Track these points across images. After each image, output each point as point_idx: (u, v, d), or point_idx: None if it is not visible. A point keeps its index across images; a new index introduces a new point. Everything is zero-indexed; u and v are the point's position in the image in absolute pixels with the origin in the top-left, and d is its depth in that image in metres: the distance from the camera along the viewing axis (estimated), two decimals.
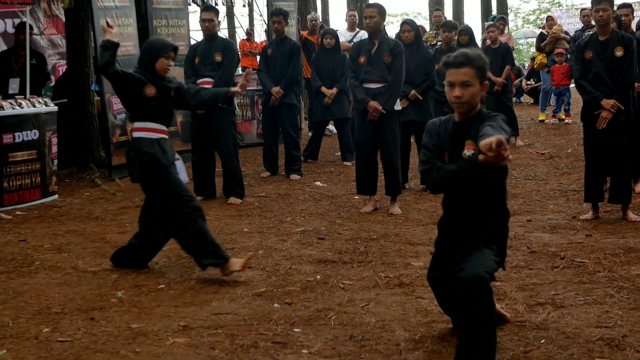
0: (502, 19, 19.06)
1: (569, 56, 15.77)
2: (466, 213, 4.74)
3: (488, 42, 14.54)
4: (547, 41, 16.65)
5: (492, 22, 16.40)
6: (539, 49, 17.06)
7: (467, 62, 4.52)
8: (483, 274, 4.35)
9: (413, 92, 9.85)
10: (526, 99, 21.37)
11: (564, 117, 16.47)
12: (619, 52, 7.95)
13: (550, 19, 18.38)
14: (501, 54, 13.70)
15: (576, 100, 15.49)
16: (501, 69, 13.46)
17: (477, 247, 4.59)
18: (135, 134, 6.64)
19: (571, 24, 25.59)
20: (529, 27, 38.42)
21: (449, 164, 4.63)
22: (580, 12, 16.58)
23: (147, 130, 6.59)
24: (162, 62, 6.57)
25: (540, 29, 18.78)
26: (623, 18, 9.29)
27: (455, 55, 4.60)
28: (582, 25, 15.71)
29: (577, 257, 6.81)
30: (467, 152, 4.52)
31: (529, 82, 20.60)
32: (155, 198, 6.63)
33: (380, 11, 8.83)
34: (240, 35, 24.66)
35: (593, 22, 8.56)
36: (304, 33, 15.20)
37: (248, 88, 14.51)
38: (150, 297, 5.97)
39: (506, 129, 4.41)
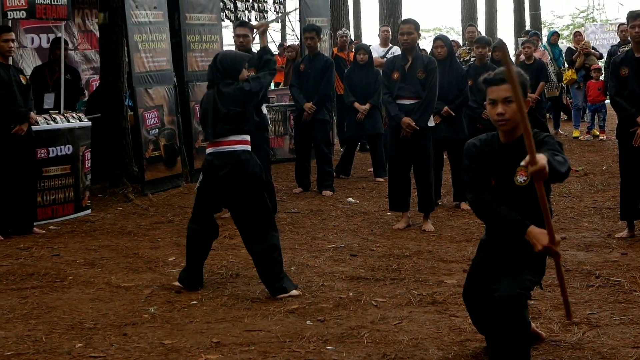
0: (536, 34, 18.99)
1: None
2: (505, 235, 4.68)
3: (522, 57, 14.47)
4: (578, 53, 16.56)
5: (526, 38, 16.35)
6: (570, 62, 16.96)
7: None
8: (517, 292, 4.32)
9: (446, 108, 9.79)
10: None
11: (598, 133, 16.34)
12: None
13: (578, 34, 18.29)
14: (535, 70, 13.65)
15: (611, 116, 15.36)
16: (535, 85, 13.37)
17: (513, 267, 4.54)
18: (244, 147, 6.54)
19: (605, 39, 25.39)
20: (562, 42, 38.25)
21: (495, 186, 4.59)
22: (618, 27, 16.47)
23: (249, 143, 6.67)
24: (244, 73, 6.64)
25: (569, 45, 18.69)
26: None
27: (496, 72, 4.53)
28: (619, 40, 15.61)
29: (613, 276, 6.73)
30: (520, 178, 4.47)
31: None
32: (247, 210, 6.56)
33: (416, 27, 8.82)
34: (273, 50, 24.75)
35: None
36: (334, 49, 15.21)
37: (280, 103, 14.61)
38: (183, 313, 5.97)
39: (563, 159, 4.33)
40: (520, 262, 4.58)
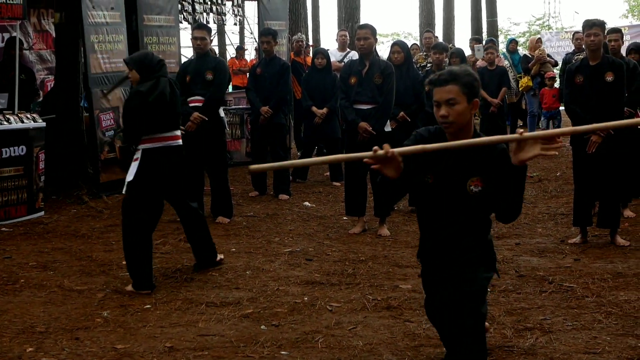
0: (492, 41, 19.15)
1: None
2: (443, 239, 4.51)
3: (479, 64, 14.57)
4: (534, 62, 16.74)
5: (482, 44, 16.47)
6: (526, 70, 17.14)
7: (452, 79, 4.27)
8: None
9: (402, 113, 9.82)
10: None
11: None
12: (609, 77, 7.96)
13: (539, 41, 18.48)
14: (497, 75, 13.76)
15: (566, 123, 15.52)
16: (497, 91, 13.52)
17: (463, 267, 4.40)
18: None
19: (561, 47, 25.70)
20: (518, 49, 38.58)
21: (433, 185, 4.39)
22: (573, 35, 16.65)
23: None
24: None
25: (525, 53, 18.90)
26: (613, 43, 9.30)
27: (441, 73, 4.38)
28: (575, 48, 15.79)
29: (566, 281, 6.80)
30: (475, 188, 4.30)
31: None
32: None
33: (373, 32, 8.84)
34: (231, 52, 24.67)
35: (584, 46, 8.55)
36: (291, 54, 15.21)
37: (238, 107, 14.56)
38: (136, 317, 5.92)
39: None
40: (470, 261, 4.41)
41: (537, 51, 17.08)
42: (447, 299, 4.30)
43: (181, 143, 7.02)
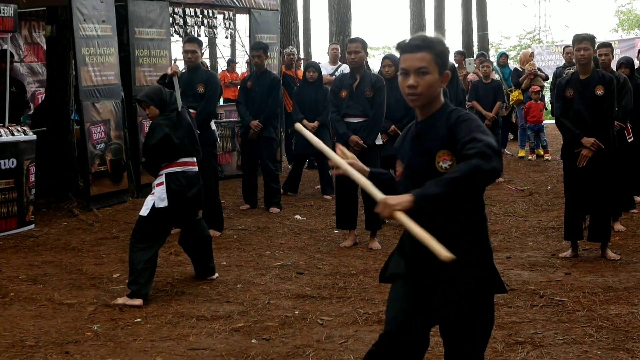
0: (483, 54, 19.20)
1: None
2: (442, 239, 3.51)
3: (470, 77, 14.57)
4: (525, 75, 16.79)
5: (472, 58, 16.50)
6: (517, 84, 17.18)
7: (425, 46, 3.65)
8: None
9: (393, 127, 9.83)
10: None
11: (542, 153, 16.52)
12: (599, 91, 7.99)
13: (532, 55, 18.53)
14: (493, 89, 13.76)
15: (556, 137, 15.54)
16: (492, 104, 13.50)
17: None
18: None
19: (551, 61, 25.79)
20: (509, 63, 38.59)
21: (404, 173, 3.79)
22: (564, 49, 16.71)
23: None
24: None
25: (515, 66, 18.94)
26: (603, 57, 9.35)
27: (412, 37, 3.75)
28: (565, 61, 15.85)
29: (556, 295, 6.80)
30: (443, 164, 3.62)
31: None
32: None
33: (364, 46, 8.86)
34: (222, 65, 24.67)
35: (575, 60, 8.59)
36: (282, 67, 15.22)
37: (229, 120, 14.55)
38: (127, 331, 5.90)
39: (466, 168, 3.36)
40: (469, 263, 3.71)
41: (527, 65, 17.13)
42: (455, 298, 3.73)
43: (197, 169, 7.19)
